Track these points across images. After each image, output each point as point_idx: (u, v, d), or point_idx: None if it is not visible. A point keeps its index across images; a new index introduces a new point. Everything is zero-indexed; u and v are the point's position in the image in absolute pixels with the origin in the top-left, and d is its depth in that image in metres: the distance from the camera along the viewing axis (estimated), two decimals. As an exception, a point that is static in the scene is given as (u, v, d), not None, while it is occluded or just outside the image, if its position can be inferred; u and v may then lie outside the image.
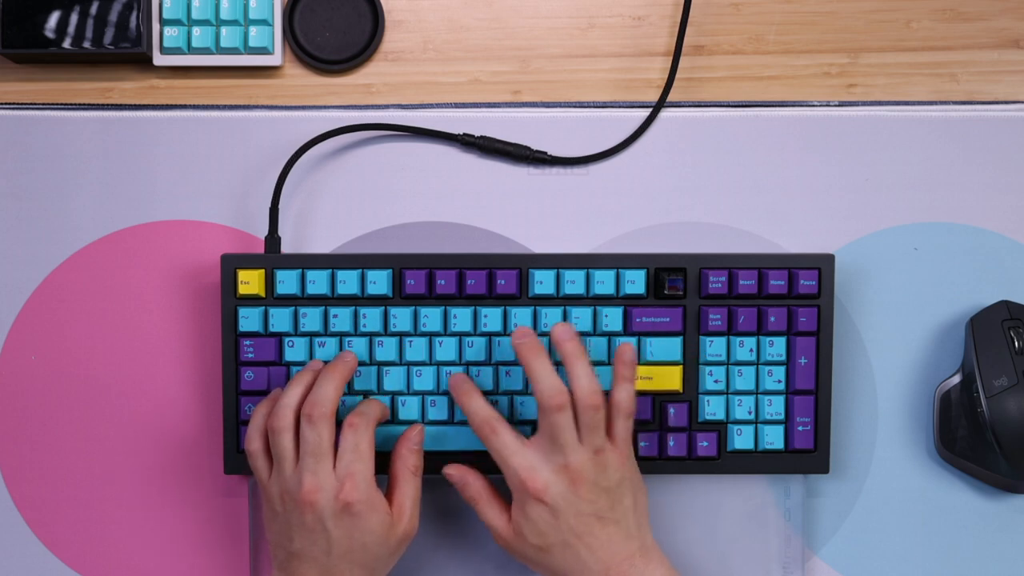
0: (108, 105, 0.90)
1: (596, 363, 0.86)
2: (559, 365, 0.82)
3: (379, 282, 0.86)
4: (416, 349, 0.86)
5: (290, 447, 0.80)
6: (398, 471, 0.82)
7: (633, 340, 0.86)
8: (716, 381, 0.87)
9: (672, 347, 0.86)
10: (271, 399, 0.83)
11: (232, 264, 0.86)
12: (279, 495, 0.80)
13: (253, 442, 0.82)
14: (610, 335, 0.86)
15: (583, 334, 0.86)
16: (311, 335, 0.86)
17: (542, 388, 0.79)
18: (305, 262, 0.86)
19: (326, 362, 0.84)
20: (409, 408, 0.86)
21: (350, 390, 0.86)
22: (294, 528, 0.79)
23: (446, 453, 0.86)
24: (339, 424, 0.81)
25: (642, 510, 0.82)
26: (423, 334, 0.86)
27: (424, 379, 0.86)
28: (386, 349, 0.86)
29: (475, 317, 0.86)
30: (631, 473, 0.81)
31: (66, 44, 0.87)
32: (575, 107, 0.91)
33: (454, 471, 0.83)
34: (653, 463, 0.86)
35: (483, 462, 0.84)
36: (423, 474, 0.83)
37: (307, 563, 0.79)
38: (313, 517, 0.79)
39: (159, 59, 0.89)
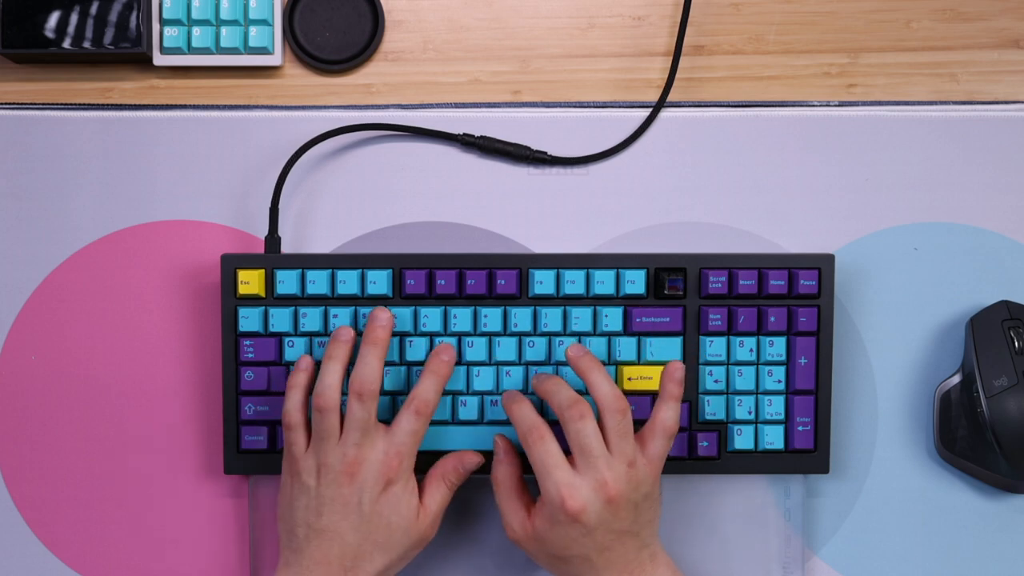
0: (108, 105, 0.90)
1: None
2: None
3: (379, 282, 0.86)
4: (416, 349, 0.86)
5: (336, 425, 0.80)
6: (435, 476, 0.83)
7: (633, 340, 0.86)
8: (716, 381, 0.87)
9: (672, 347, 0.86)
10: (302, 371, 0.83)
11: (232, 264, 0.86)
12: (316, 468, 0.80)
13: (293, 415, 0.81)
14: (610, 335, 0.86)
15: (583, 334, 0.86)
16: (311, 335, 0.86)
17: (559, 401, 0.79)
18: (305, 262, 0.86)
19: (353, 332, 0.83)
20: (409, 408, 0.86)
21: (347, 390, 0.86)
22: (326, 502, 0.79)
23: (445, 453, 0.86)
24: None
25: (657, 521, 0.82)
26: (423, 334, 0.86)
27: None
28: (386, 349, 0.86)
29: (475, 317, 0.86)
30: (657, 489, 0.82)
31: (66, 44, 0.87)
32: (575, 107, 0.91)
33: (501, 443, 0.83)
34: (653, 463, 0.87)
35: (484, 465, 0.85)
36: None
37: (331, 540, 0.79)
38: (351, 490, 0.79)
39: (159, 59, 0.89)
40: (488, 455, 0.85)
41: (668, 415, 0.81)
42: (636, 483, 0.79)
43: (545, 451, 0.79)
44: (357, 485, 0.79)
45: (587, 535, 0.78)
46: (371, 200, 0.90)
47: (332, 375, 0.81)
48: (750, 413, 0.87)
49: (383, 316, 0.83)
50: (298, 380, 0.83)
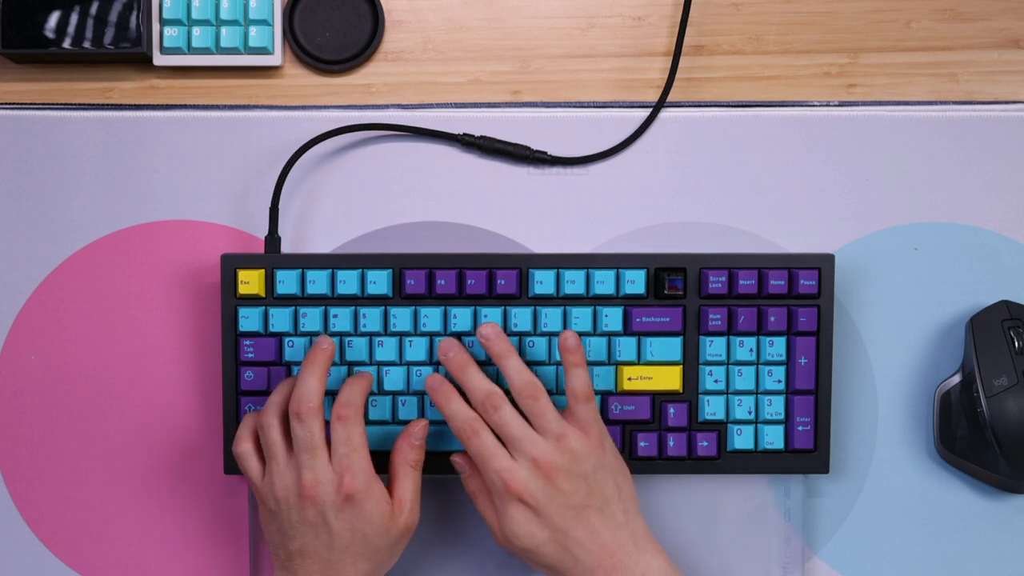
0: (108, 105, 0.90)
1: (596, 363, 0.86)
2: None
3: (379, 282, 0.86)
4: (416, 349, 0.86)
5: (280, 441, 0.80)
6: (397, 465, 0.82)
7: (633, 340, 0.86)
8: (716, 381, 0.87)
9: (672, 347, 0.86)
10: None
11: (232, 264, 0.86)
12: (273, 494, 0.80)
13: (242, 443, 0.81)
14: (610, 335, 0.86)
15: (583, 334, 0.86)
16: (311, 335, 0.86)
17: (473, 395, 0.80)
18: (305, 262, 0.86)
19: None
20: (409, 408, 0.86)
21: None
22: (295, 525, 0.79)
23: (447, 452, 0.86)
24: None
25: (628, 497, 0.81)
26: (423, 334, 0.86)
27: (424, 379, 0.86)
28: (386, 349, 0.86)
29: (475, 317, 0.86)
30: (609, 459, 0.81)
31: (66, 44, 0.87)
32: (575, 107, 0.91)
33: (460, 460, 0.83)
34: (653, 463, 0.86)
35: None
36: (424, 471, 0.83)
37: (310, 560, 0.79)
38: (314, 512, 0.79)
39: (159, 59, 0.89)
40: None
41: (575, 381, 0.81)
42: (573, 454, 0.79)
43: (480, 443, 0.80)
44: (319, 508, 0.79)
45: (539, 515, 0.79)
46: (371, 200, 0.90)
47: (276, 394, 0.81)
48: (750, 413, 0.87)
49: (325, 341, 0.82)
50: (252, 414, 0.83)
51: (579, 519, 0.79)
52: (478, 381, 0.80)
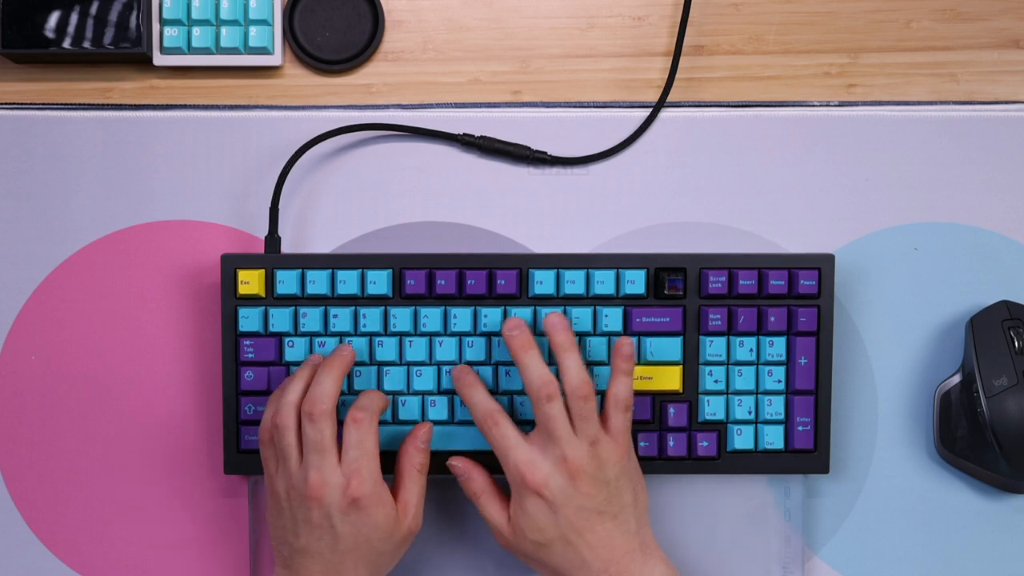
0: (108, 105, 0.90)
1: (596, 363, 0.86)
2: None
3: (379, 282, 0.86)
4: (416, 349, 0.86)
5: (294, 444, 0.80)
6: (404, 468, 0.82)
7: (633, 340, 0.86)
8: (716, 381, 0.87)
9: (672, 347, 0.86)
10: (283, 388, 0.83)
11: (232, 264, 0.86)
12: (285, 491, 0.80)
13: (266, 431, 0.82)
14: (610, 335, 0.86)
15: (583, 334, 0.86)
16: (311, 335, 0.86)
17: (531, 379, 0.80)
18: (305, 262, 0.86)
19: (326, 356, 0.84)
20: (409, 408, 0.86)
21: (350, 390, 0.86)
22: (300, 524, 0.79)
23: (447, 452, 0.86)
24: (341, 418, 0.81)
25: (642, 506, 0.82)
26: (423, 334, 0.86)
27: (424, 379, 0.86)
28: (386, 349, 0.86)
29: (475, 317, 0.86)
30: (631, 468, 0.82)
31: (66, 44, 0.87)
32: (575, 107, 0.91)
33: (459, 463, 0.83)
34: (653, 463, 0.86)
35: (483, 461, 0.85)
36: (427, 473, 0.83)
37: (312, 559, 0.79)
38: (320, 513, 0.79)
39: (159, 59, 0.89)
40: (474, 453, 0.85)
41: (620, 389, 0.81)
42: (600, 461, 0.79)
43: (502, 435, 0.80)
44: (324, 509, 0.78)
45: (555, 512, 0.79)
46: (371, 200, 0.90)
47: (293, 393, 0.80)
48: (750, 413, 0.87)
49: (346, 349, 0.83)
50: (274, 399, 0.82)
51: (594, 522, 0.79)
52: (540, 367, 0.80)
